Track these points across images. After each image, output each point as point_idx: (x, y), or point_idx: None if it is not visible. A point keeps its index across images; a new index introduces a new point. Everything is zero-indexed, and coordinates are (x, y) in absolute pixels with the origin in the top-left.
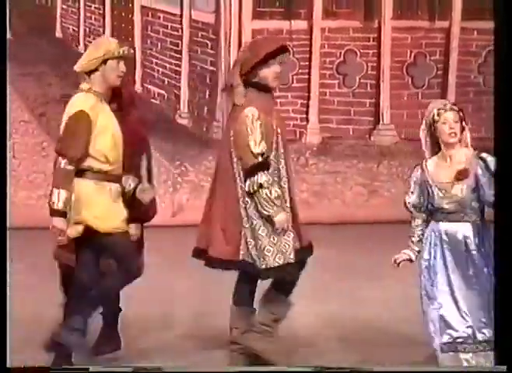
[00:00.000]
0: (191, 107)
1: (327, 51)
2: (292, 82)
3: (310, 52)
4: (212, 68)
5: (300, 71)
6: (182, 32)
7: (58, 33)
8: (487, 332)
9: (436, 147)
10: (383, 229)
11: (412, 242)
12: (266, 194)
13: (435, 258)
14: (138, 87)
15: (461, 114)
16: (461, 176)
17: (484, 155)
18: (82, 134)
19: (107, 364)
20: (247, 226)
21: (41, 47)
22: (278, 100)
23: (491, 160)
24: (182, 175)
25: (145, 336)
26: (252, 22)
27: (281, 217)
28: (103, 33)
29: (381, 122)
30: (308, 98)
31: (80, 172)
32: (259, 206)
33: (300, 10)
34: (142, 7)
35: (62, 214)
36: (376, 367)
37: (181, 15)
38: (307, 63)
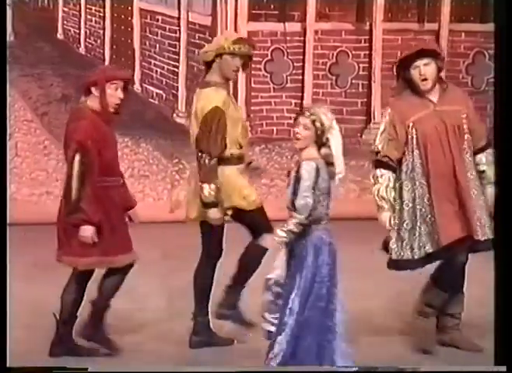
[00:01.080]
0: (188, 107)
1: (320, 52)
2: (287, 83)
3: (304, 53)
4: None
5: (294, 71)
6: (180, 34)
7: (60, 35)
8: None
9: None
10: (374, 225)
11: None
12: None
13: None
14: (137, 87)
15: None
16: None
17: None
18: (221, 131)
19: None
20: None
21: (43, 49)
22: (273, 100)
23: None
24: (180, 172)
25: (144, 329)
26: (247, 25)
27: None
28: (104, 34)
29: (373, 121)
30: (302, 98)
31: (222, 161)
32: None
33: (294, 13)
34: (141, 10)
35: (215, 204)
36: (381, 368)
37: (179, 18)
38: (301, 64)
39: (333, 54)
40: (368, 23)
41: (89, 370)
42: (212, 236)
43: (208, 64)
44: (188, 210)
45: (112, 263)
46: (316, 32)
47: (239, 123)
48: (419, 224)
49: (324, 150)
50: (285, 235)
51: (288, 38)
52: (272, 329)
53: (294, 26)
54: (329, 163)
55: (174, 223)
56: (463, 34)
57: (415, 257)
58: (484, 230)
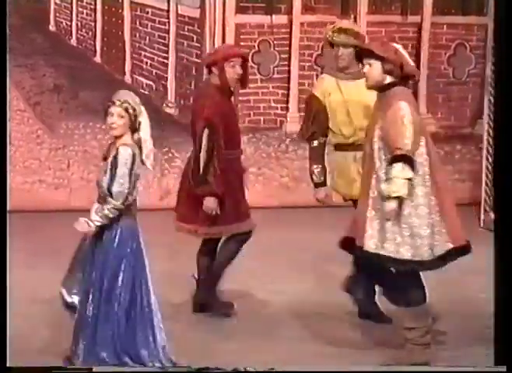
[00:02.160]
0: (178, 97)
1: (306, 44)
2: (273, 74)
3: (290, 45)
4: (197, 60)
5: (281, 63)
6: (169, 26)
7: (52, 27)
8: None
9: None
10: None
11: None
12: None
13: None
14: (127, 78)
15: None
16: None
17: None
18: (312, 116)
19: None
20: None
21: (36, 40)
22: (260, 91)
23: None
24: (169, 161)
25: None
26: (235, 17)
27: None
28: (95, 26)
29: None
30: (288, 88)
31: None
32: None
33: (280, 5)
34: (131, 2)
35: (323, 184)
36: (378, 367)
37: (168, 10)
38: (287, 55)
39: (318, 46)
40: (352, 16)
41: (93, 370)
42: None
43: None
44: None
45: (230, 231)
46: (302, 24)
47: (343, 110)
48: None
49: (136, 135)
50: (100, 219)
51: (275, 30)
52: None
53: (281, 19)
54: (141, 148)
55: (164, 210)
56: (445, 26)
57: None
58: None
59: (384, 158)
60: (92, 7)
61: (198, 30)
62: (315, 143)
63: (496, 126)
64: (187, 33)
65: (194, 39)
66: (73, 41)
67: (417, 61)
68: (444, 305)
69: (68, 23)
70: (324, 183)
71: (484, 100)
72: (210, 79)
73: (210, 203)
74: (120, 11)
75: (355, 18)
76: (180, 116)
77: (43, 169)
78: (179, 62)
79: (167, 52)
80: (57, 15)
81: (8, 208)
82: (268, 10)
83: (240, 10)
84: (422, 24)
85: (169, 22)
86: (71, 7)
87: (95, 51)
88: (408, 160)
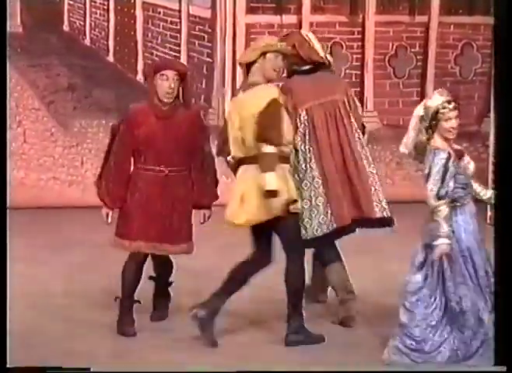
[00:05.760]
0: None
1: None
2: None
3: None
4: (208, 60)
5: None
6: (180, 26)
7: (66, 27)
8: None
9: (422, 134)
10: None
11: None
12: None
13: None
14: (139, 77)
15: (458, 110)
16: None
17: None
18: (280, 121)
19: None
20: None
21: (50, 40)
22: None
23: None
24: None
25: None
26: (245, 17)
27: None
28: (108, 27)
29: (365, 109)
30: None
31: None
32: None
33: (290, 5)
34: (144, 2)
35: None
36: (378, 368)
37: (180, 11)
38: None
39: (327, 46)
40: (361, 16)
41: (91, 370)
42: (295, 228)
43: (248, 68)
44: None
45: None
46: (311, 24)
47: (286, 120)
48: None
49: None
50: None
51: (284, 30)
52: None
53: (290, 19)
54: None
55: None
56: (452, 26)
57: (308, 237)
58: (379, 208)
59: None
60: (105, 7)
61: (209, 30)
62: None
63: (498, 124)
64: (198, 33)
65: (205, 38)
66: (87, 41)
67: (424, 60)
68: None
69: (82, 23)
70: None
71: (490, 99)
72: None
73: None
74: (132, 11)
75: (363, 18)
76: None
77: (57, 167)
78: (190, 61)
79: (179, 52)
80: (71, 15)
81: (15, 205)
82: (278, 10)
83: (251, 10)
84: (430, 24)
85: (180, 22)
86: (85, 7)
87: (108, 51)
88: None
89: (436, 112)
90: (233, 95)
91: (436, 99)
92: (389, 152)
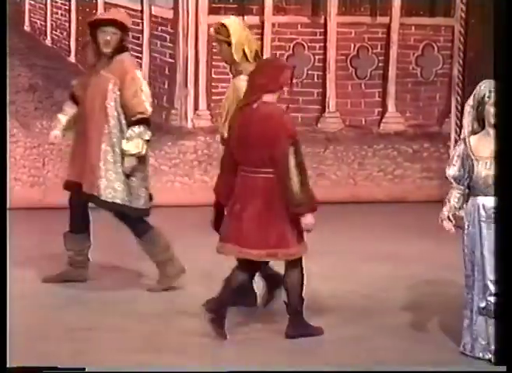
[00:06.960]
0: (151, 97)
1: (277, 44)
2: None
3: (262, 45)
4: (170, 60)
5: None
6: (143, 26)
7: (27, 27)
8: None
9: (475, 123)
10: (328, 208)
11: (454, 214)
12: None
13: (474, 232)
14: None
15: None
16: None
17: None
18: None
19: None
20: None
21: (11, 40)
22: None
23: None
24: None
25: None
26: (208, 18)
27: None
28: (69, 27)
29: (327, 110)
30: None
31: None
32: None
33: (252, 6)
34: (105, 3)
35: None
36: (377, 367)
37: (142, 11)
38: None
39: (289, 46)
40: (323, 17)
41: (86, 370)
42: None
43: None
44: None
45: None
46: (273, 25)
47: None
48: None
49: None
50: None
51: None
52: None
53: (252, 19)
54: None
55: None
56: (413, 27)
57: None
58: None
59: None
60: (66, 7)
61: (171, 31)
62: None
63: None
64: (160, 34)
65: (168, 39)
66: (48, 41)
67: (386, 61)
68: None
69: (43, 23)
70: None
71: (451, 99)
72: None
73: (310, 220)
74: (94, 11)
75: (325, 19)
76: (153, 115)
77: (18, 167)
78: (152, 62)
79: (141, 52)
80: (32, 15)
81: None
82: (240, 11)
83: (213, 11)
84: (391, 25)
85: (142, 23)
86: (46, 7)
87: (69, 51)
88: (147, 123)
89: (483, 97)
90: (196, 95)
91: (484, 85)
92: (351, 153)
